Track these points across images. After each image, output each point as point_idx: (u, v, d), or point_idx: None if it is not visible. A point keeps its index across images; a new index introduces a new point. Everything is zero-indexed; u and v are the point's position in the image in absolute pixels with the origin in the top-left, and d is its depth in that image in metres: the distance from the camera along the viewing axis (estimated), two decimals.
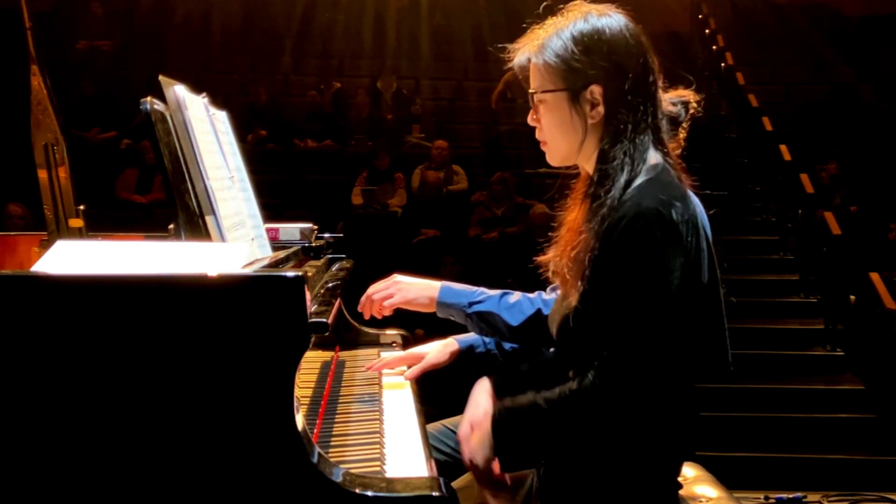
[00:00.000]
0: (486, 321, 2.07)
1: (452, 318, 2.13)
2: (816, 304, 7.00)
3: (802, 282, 7.29)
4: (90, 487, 1.31)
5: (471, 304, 2.08)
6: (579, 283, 1.63)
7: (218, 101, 2.08)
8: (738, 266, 7.55)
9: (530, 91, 1.73)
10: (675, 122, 2.29)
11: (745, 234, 8.15)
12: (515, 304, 2.07)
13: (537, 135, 1.77)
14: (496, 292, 2.10)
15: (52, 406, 1.30)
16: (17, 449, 1.30)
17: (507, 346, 2.14)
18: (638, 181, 1.61)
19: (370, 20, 11.16)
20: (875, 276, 6.16)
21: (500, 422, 1.65)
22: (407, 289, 2.16)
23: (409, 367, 2.16)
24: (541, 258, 1.83)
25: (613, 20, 1.69)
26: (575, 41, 1.67)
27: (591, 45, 1.66)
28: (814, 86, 10.79)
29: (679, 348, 1.56)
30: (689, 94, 2.33)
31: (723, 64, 10.42)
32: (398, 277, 2.19)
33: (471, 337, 2.17)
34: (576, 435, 1.61)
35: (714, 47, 10.84)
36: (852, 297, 6.46)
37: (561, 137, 1.72)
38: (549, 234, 1.83)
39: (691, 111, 2.27)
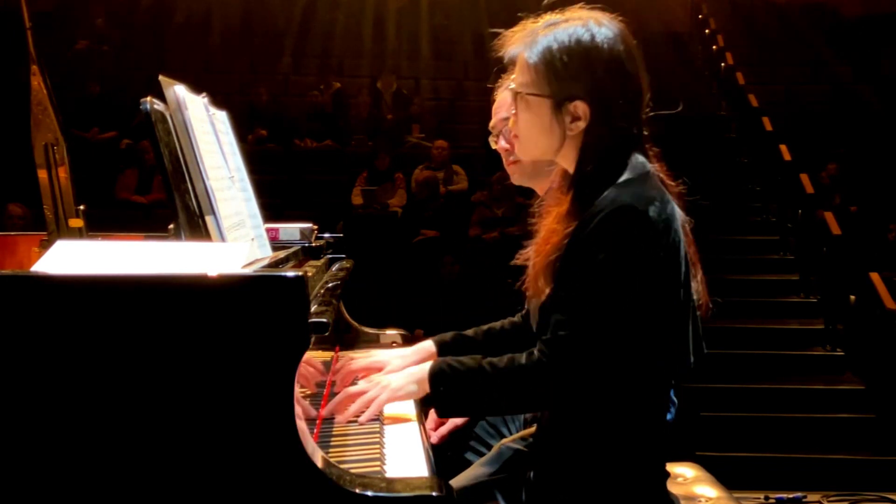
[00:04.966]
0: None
1: None
2: (816, 304, 7.01)
3: (802, 282, 7.30)
4: (90, 487, 1.31)
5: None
6: (550, 284, 1.63)
7: (218, 101, 2.08)
8: (738, 266, 7.55)
9: (512, 87, 1.71)
10: None
11: (745, 234, 8.16)
12: None
13: (510, 125, 1.75)
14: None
15: (52, 406, 1.30)
16: (18, 449, 1.30)
17: None
18: (619, 178, 1.61)
19: (370, 20, 11.16)
20: (875, 276, 6.16)
21: (440, 374, 1.65)
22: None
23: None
24: (521, 257, 1.80)
25: (612, 33, 1.65)
26: (570, 51, 1.63)
27: (585, 58, 1.63)
28: (814, 86, 10.79)
29: (636, 342, 1.54)
30: None
31: (723, 64, 10.43)
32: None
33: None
34: (514, 403, 1.68)
35: (714, 47, 10.85)
36: (852, 297, 6.47)
37: (536, 139, 1.70)
38: (529, 232, 1.81)
39: None
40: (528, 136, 1.71)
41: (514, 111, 1.72)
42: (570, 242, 1.59)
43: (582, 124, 1.64)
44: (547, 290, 1.64)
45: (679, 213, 1.62)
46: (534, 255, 1.72)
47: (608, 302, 1.52)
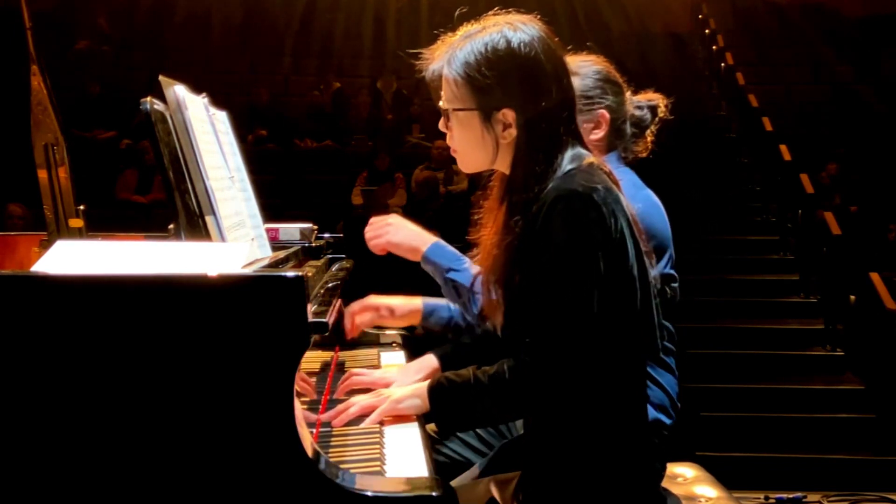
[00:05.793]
0: (457, 292, 2.07)
1: (431, 274, 2.13)
2: (816, 304, 7.00)
3: (802, 282, 7.29)
4: (90, 487, 1.31)
5: (450, 270, 2.08)
6: (501, 290, 1.65)
7: (218, 101, 2.08)
8: (738, 266, 7.55)
9: (440, 104, 1.70)
10: (640, 125, 2.14)
11: (745, 234, 8.16)
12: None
13: (448, 141, 1.74)
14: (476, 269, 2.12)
15: (52, 406, 1.30)
16: (17, 448, 1.30)
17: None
18: (557, 175, 1.61)
19: (370, 20, 11.17)
20: (875, 276, 6.16)
21: (438, 389, 1.67)
22: (395, 232, 2.12)
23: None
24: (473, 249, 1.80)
25: (528, 36, 1.63)
26: (488, 60, 1.62)
27: (503, 66, 1.62)
28: (814, 86, 10.80)
29: (603, 328, 1.54)
30: (657, 97, 2.15)
31: (723, 64, 10.44)
32: (393, 217, 2.17)
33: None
34: (508, 409, 1.67)
35: (714, 47, 10.86)
36: (852, 297, 6.47)
37: (472, 152, 1.70)
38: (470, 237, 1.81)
39: (660, 114, 2.16)
40: (465, 151, 1.71)
41: (448, 125, 1.71)
42: (520, 242, 1.59)
43: (514, 132, 1.64)
44: (502, 303, 1.66)
45: (625, 202, 1.61)
46: (482, 254, 1.75)
47: (573, 288, 1.52)
